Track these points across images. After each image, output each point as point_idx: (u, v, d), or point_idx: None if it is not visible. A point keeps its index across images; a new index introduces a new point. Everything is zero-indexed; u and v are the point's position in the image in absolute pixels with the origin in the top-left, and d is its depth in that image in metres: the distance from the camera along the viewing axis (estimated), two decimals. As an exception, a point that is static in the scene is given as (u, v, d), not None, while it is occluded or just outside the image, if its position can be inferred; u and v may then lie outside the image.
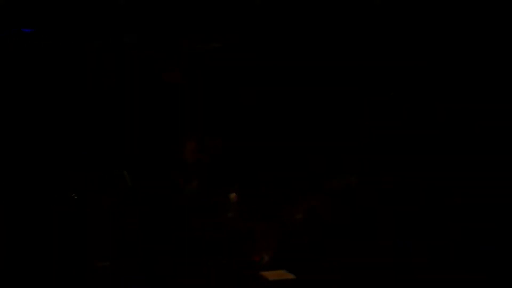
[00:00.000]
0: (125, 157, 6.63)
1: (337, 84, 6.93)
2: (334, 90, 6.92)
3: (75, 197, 6.35)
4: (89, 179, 6.46)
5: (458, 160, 6.66)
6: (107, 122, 6.76)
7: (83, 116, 6.74)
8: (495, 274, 5.92)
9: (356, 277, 6.05)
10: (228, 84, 6.89)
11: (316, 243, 6.32)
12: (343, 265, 6.14)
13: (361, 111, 6.91)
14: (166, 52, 6.88)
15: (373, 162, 6.75)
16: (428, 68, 6.93)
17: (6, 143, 6.50)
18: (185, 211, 6.36)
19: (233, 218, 6.33)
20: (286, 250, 6.28)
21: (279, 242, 6.29)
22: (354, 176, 6.60)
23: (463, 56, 6.92)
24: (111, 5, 6.90)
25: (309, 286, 6.01)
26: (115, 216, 6.32)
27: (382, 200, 6.58)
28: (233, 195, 6.34)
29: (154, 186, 6.51)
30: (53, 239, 6.13)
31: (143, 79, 6.83)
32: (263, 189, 6.48)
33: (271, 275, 6.07)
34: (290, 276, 6.06)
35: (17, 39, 6.74)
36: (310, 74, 6.95)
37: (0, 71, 6.68)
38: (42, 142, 6.57)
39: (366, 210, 6.51)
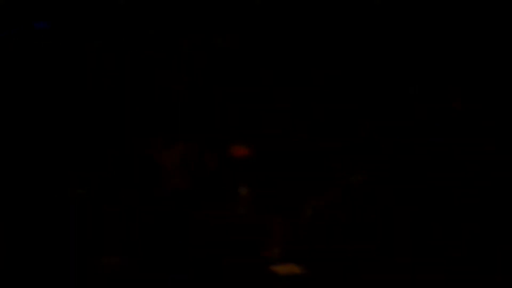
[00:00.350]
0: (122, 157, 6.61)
1: (339, 83, 6.98)
2: (337, 89, 6.96)
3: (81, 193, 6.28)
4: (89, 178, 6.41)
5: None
6: (104, 122, 6.73)
7: (81, 115, 6.70)
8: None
9: (364, 272, 6.11)
10: (231, 84, 6.91)
11: (326, 239, 6.33)
12: (351, 261, 6.19)
13: (368, 109, 6.95)
14: (166, 52, 6.88)
15: (381, 161, 6.78)
16: (428, 68, 6.99)
17: (5, 142, 6.44)
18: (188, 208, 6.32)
19: (243, 214, 6.33)
20: (296, 245, 6.29)
21: (289, 238, 6.30)
22: (361, 174, 6.63)
23: (463, 55, 6.98)
24: (111, 5, 6.90)
25: (319, 281, 6.04)
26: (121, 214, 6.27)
27: (391, 199, 6.59)
28: (244, 191, 6.30)
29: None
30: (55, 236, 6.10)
31: (141, 80, 6.82)
32: (273, 185, 6.47)
33: (282, 269, 6.10)
34: (300, 270, 6.10)
35: (17, 38, 6.72)
36: (312, 74, 6.99)
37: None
38: (42, 141, 6.53)
39: (373, 208, 6.53)
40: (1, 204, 6.23)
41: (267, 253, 6.18)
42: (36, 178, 6.37)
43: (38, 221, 6.18)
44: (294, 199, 6.46)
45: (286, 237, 6.27)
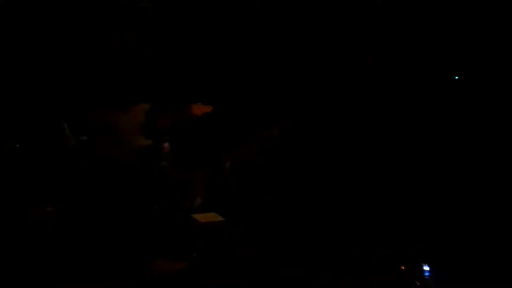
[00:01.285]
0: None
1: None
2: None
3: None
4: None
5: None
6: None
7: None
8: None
9: (277, 216, 6.52)
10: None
11: (242, 189, 6.68)
12: (267, 208, 6.57)
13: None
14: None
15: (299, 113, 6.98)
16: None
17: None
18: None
19: (166, 167, 6.61)
20: (216, 195, 6.66)
21: (209, 188, 6.66)
22: (277, 126, 6.88)
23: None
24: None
25: (236, 228, 6.43)
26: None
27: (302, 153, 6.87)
28: (166, 145, 6.64)
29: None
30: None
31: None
32: (193, 139, 6.74)
33: (203, 218, 6.44)
34: (220, 218, 6.45)
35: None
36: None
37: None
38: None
39: (286, 160, 6.82)
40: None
41: (189, 202, 6.56)
42: None
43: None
44: (217, 150, 6.77)
45: (207, 186, 6.64)
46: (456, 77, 6.98)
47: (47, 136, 6.61)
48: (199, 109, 6.79)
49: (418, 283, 5.98)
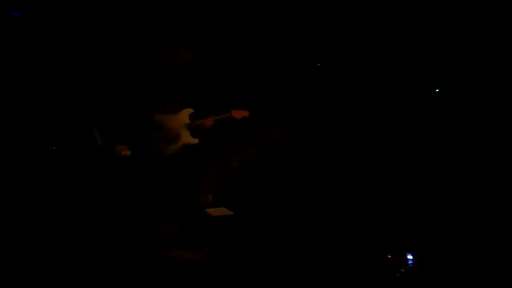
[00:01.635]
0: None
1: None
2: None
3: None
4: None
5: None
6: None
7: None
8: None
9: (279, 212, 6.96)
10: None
11: (251, 187, 7.17)
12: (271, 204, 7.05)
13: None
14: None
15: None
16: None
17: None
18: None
19: (183, 167, 7.02)
20: (226, 192, 7.15)
21: (220, 186, 7.16)
22: (280, 130, 7.29)
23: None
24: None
25: (245, 221, 6.91)
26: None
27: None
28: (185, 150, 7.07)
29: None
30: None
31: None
32: (207, 142, 7.12)
33: (214, 211, 6.94)
34: (229, 212, 6.94)
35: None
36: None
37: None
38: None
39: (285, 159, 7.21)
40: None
41: (202, 197, 7.07)
42: None
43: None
44: (227, 152, 7.22)
45: (218, 184, 7.12)
46: (437, 90, 7.19)
47: (76, 138, 6.90)
48: (238, 113, 6.97)
49: (403, 271, 6.33)
